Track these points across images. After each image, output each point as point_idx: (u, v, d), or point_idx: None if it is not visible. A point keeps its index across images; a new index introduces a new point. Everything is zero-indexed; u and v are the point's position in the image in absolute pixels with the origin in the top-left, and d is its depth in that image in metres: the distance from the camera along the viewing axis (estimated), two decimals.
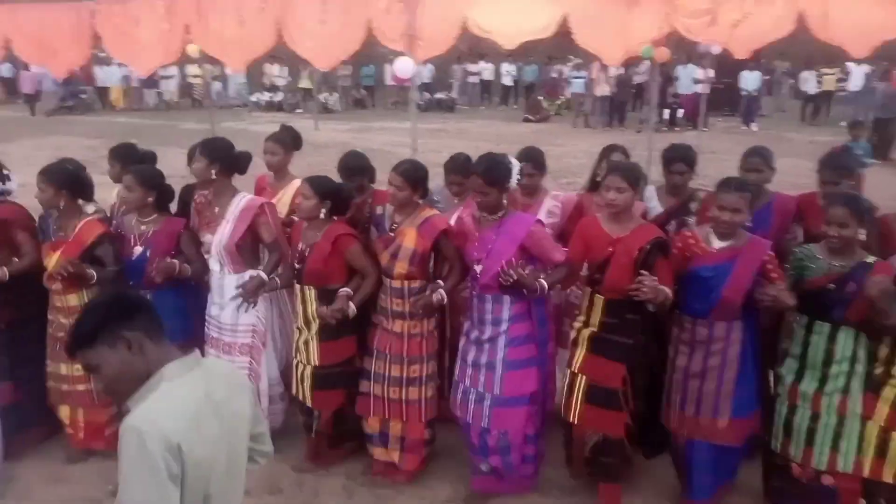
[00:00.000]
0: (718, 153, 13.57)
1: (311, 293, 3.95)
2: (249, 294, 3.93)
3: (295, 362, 4.13)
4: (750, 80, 18.81)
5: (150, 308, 2.01)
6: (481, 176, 3.63)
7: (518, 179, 3.76)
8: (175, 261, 4.03)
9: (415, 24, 6.29)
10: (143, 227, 4.11)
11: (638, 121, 19.35)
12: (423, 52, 6.59)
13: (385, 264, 3.89)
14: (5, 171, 4.38)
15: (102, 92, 23.95)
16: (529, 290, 3.61)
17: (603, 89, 18.95)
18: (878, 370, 3.47)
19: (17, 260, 4.13)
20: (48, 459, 4.39)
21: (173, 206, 4.54)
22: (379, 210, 4.22)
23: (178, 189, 4.58)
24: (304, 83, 23.29)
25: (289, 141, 4.73)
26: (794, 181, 4.42)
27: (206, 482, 1.87)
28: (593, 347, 3.70)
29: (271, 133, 4.75)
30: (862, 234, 3.38)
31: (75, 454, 4.35)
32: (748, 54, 6.54)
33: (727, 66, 17.69)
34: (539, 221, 3.90)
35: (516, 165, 3.74)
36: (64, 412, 4.31)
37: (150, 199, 4.09)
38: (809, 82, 19.80)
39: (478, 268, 3.72)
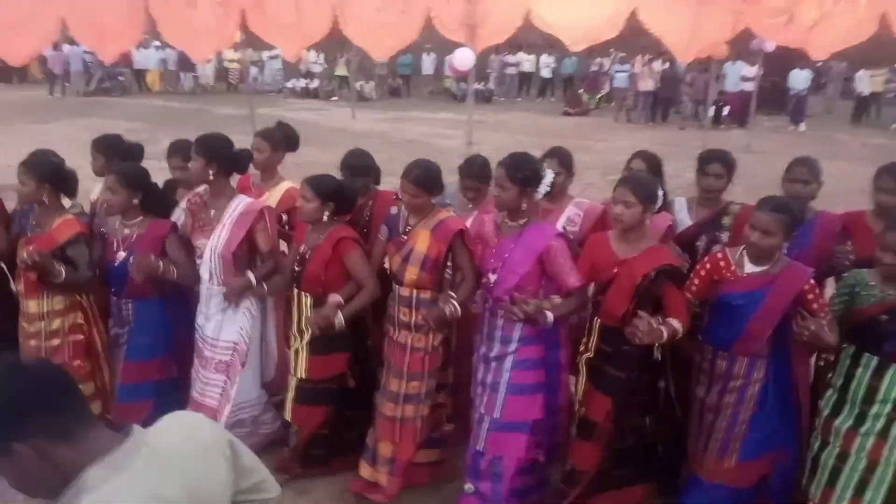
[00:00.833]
0: (767, 153, 13.23)
1: (307, 300, 3.68)
2: (233, 294, 3.69)
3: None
4: (799, 79, 18.31)
5: (61, 391, 1.47)
6: (504, 168, 3.32)
7: (548, 191, 3.43)
8: (159, 261, 3.62)
9: (475, 14, 6.09)
10: (126, 231, 3.74)
11: (681, 117, 19.01)
12: (482, 42, 6.39)
13: (395, 269, 3.59)
14: None
15: (139, 75, 24.02)
16: (535, 324, 3.32)
17: (647, 84, 18.55)
18: None
19: None
20: None
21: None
22: (393, 210, 3.85)
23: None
24: (341, 70, 23.20)
25: (279, 139, 4.34)
26: (847, 186, 3.97)
27: None
28: (589, 375, 3.45)
29: (262, 129, 4.41)
30: None
31: None
32: (827, 56, 6.28)
33: (775, 64, 17.22)
34: (561, 235, 3.54)
35: (549, 175, 3.42)
36: None
37: (136, 201, 3.71)
38: (864, 82, 19.21)
39: (492, 277, 3.43)
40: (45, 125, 15.16)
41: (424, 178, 3.50)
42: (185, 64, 23.53)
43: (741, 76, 18.02)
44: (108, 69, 22.68)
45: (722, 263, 3.31)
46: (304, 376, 3.70)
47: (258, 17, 6.27)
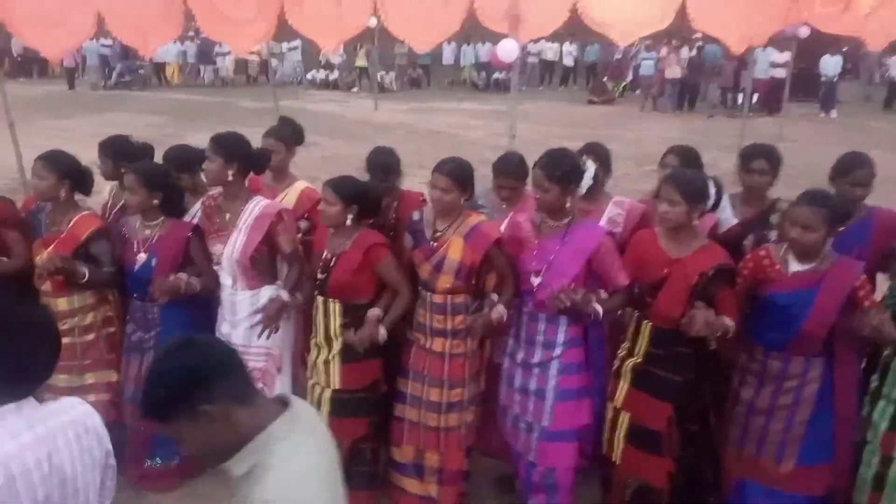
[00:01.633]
0: (800, 142, 12.98)
1: (335, 307, 3.48)
2: (271, 320, 3.49)
3: (310, 384, 3.62)
4: (830, 65, 17.95)
5: (233, 361, 1.66)
6: (542, 169, 3.15)
7: (591, 185, 3.28)
8: (181, 277, 3.51)
9: (519, 5, 5.92)
10: (147, 232, 3.60)
11: (709, 105, 18.74)
12: (526, 34, 6.21)
13: (426, 277, 3.41)
14: None
15: (158, 68, 23.99)
16: (583, 317, 3.20)
17: (674, 71, 18.26)
18: None
19: (5, 260, 3.66)
20: None
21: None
22: (416, 216, 3.58)
23: None
24: (361, 61, 23.06)
25: (290, 136, 4.17)
26: (882, 174, 3.76)
27: None
28: (637, 381, 3.26)
29: (270, 128, 4.20)
30: None
31: None
32: (884, 46, 6.07)
33: (805, 50, 16.89)
34: (610, 233, 3.42)
35: (591, 168, 3.27)
36: None
37: (156, 202, 3.56)
38: None
39: (535, 280, 3.26)
40: (66, 121, 15.10)
41: (458, 172, 3.32)
42: (205, 56, 23.51)
43: (770, 62, 17.69)
44: (128, 63, 22.70)
45: (766, 262, 3.13)
46: (338, 386, 3.50)
47: (296, 9, 6.14)
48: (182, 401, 1.55)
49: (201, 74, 24.32)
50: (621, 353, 3.37)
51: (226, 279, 3.63)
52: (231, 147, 3.53)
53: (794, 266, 3.07)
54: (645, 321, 3.25)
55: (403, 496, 3.65)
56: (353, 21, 6.23)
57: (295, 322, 3.85)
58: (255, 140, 3.90)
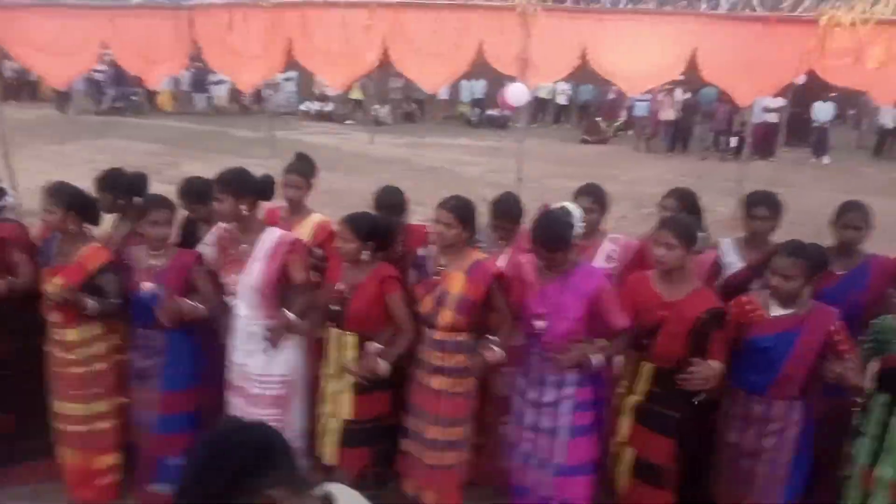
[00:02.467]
0: (795, 187, 13.05)
1: (350, 340, 3.59)
2: (276, 337, 3.62)
3: (318, 412, 3.78)
4: (822, 111, 18.17)
5: (286, 447, 1.58)
6: (542, 246, 3.30)
7: (581, 226, 3.45)
8: (186, 301, 3.61)
9: (529, 49, 5.91)
10: (152, 262, 3.70)
11: (703, 147, 18.87)
12: (536, 77, 6.19)
13: (427, 311, 3.52)
14: (1, 186, 4.16)
15: (151, 94, 23.88)
16: (585, 369, 3.34)
17: (668, 113, 18.41)
18: None
19: (10, 279, 3.75)
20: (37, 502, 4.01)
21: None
22: (421, 251, 3.75)
23: None
24: (356, 94, 23.07)
25: (310, 171, 4.35)
26: (877, 221, 3.94)
27: None
28: (640, 418, 3.47)
29: (290, 164, 4.33)
30: None
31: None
32: (892, 100, 6.09)
33: (798, 96, 17.11)
34: (608, 276, 3.62)
35: (577, 213, 3.43)
36: (63, 454, 3.92)
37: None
38: (888, 116, 19.01)
39: (539, 324, 3.36)
40: (61, 146, 14.95)
41: (462, 209, 3.45)
42: (198, 84, 23.45)
43: (763, 107, 17.88)
44: (122, 88, 22.62)
45: (748, 307, 3.35)
46: (350, 417, 3.61)
47: (306, 46, 6.08)
48: (241, 484, 1.45)
49: (194, 102, 24.24)
50: (620, 390, 3.56)
51: (241, 309, 3.70)
52: (238, 184, 3.61)
53: (776, 310, 3.29)
54: (643, 362, 3.42)
55: None
56: (361, 59, 6.17)
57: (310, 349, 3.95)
58: (255, 171, 3.91)
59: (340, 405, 3.62)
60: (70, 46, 5.83)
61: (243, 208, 3.60)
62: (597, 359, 3.28)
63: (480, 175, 13.64)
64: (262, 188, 3.74)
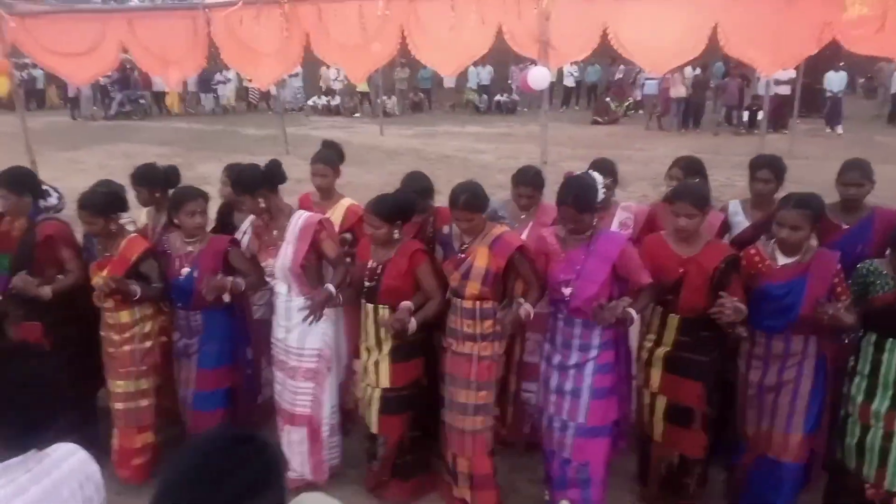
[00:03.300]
0: (811, 158, 12.93)
1: (385, 313, 3.80)
2: (317, 308, 3.75)
3: (363, 384, 4.01)
4: (835, 81, 17.98)
5: (281, 461, 1.43)
6: (572, 206, 3.42)
7: (604, 192, 3.60)
8: (227, 277, 3.86)
9: (549, 30, 5.85)
10: (189, 248, 4.00)
11: (714, 122, 18.74)
12: (556, 59, 6.13)
13: (455, 285, 3.72)
14: (46, 187, 4.37)
15: (158, 97, 23.93)
16: (623, 324, 3.49)
17: (678, 91, 18.26)
18: None
19: (61, 277, 4.05)
20: None
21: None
22: (446, 230, 3.98)
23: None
24: (362, 87, 23.02)
25: (336, 159, 4.54)
26: (885, 192, 4.19)
27: None
28: (670, 367, 3.66)
29: (317, 153, 4.51)
30: None
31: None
32: None
33: (809, 66, 16.93)
34: (629, 238, 3.80)
35: (599, 178, 3.57)
36: (112, 435, 4.16)
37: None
38: None
39: (566, 290, 3.51)
40: (75, 152, 14.99)
41: (474, 201, 3.62)
42: (204, 84, 23.46)
43: (774, 80, 17.71)
44: (129, 92, 22.65)
45: (756, 258, 3.56)
46: (388, 385, 3.84)
47: (322, 39, 6.04)
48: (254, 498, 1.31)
49: (201, 102, 24.25)
50: (648, 343, 3.75)
51: (281, 288, 3.98)
52: (251, 180, 3.82)
53: (782, 259, 3.48)
54: (670, 314, 3.62)
55: (448, 495, 3.99)
56: (379, 50, 6.13)
57: (348, 322, 4.21)
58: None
59: (379, 375, 3.84)
60: (89, 49, 5.85)
61: (262, 202, 3.82)
62: (629, 314, 3.41)
63: (492, 162, 13.60)
64: (271, 178, 3.87)
